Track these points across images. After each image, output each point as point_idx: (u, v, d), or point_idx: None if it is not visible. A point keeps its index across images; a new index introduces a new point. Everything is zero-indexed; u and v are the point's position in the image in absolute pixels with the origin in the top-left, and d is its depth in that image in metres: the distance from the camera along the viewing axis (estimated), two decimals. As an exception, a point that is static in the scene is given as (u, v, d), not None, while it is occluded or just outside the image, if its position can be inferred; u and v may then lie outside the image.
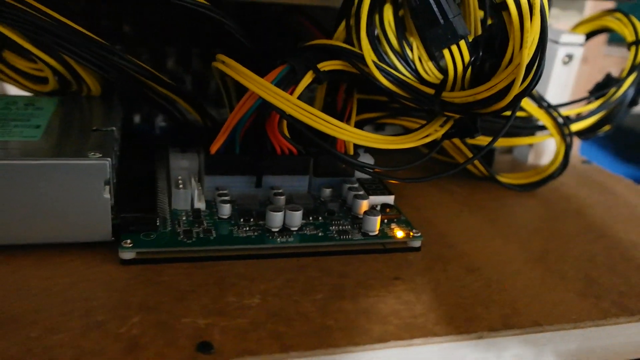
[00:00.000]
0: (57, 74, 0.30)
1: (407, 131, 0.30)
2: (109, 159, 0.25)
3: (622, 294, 0.27)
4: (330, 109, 0.33)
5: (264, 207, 0.30)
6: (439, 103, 0.28)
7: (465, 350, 0.23)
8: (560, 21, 0.49)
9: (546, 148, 0.44)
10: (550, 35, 0.40)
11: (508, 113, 0.29)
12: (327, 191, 0.32)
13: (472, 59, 0.27)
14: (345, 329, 0.23)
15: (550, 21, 0.45)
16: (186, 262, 0.26)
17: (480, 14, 0.30)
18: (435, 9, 0.27)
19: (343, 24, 0.32)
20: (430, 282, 0.27)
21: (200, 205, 0.29)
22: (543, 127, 0.39)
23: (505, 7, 0.25)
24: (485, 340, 0.23)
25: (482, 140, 0.36)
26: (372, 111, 0.36)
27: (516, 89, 0.26)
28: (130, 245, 0.26)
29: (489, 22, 0.28)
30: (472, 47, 0.28)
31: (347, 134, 0.28)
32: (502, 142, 0.40)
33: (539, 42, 0.25)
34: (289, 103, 0.27)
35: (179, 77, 0.39)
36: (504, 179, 0.38)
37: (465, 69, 0.28)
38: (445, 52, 0.28)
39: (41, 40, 0.28)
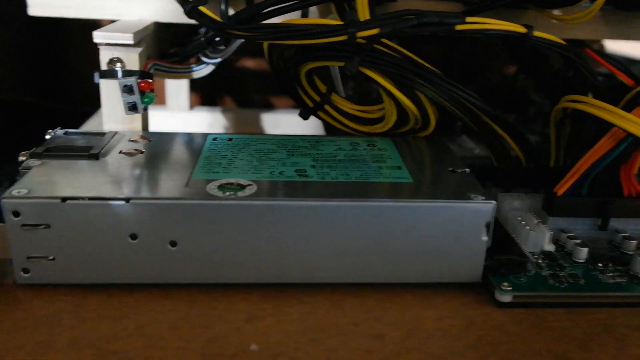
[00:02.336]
0: (401, 113, 0.32)
1: None
2: (494, 201, 0.25)
3: None
4: None
5: (611, 250, 0.28)
6: None
7: None
8: None
9: None
10: None
11: None
12: (678, 236, 0.30)
13: None
14: None
15: None
16: (557, 307, 0.26)
17: None
18: None
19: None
20: None
21: (549, 247, 0.29)
22: None
23: None
24: None
25: None
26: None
27: None
28: (510, 288, 0.25)
29: None
30: None
31: None
32: None
33: None
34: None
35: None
36: None
37: None
38: None
39: (400, 81, 0.30)
